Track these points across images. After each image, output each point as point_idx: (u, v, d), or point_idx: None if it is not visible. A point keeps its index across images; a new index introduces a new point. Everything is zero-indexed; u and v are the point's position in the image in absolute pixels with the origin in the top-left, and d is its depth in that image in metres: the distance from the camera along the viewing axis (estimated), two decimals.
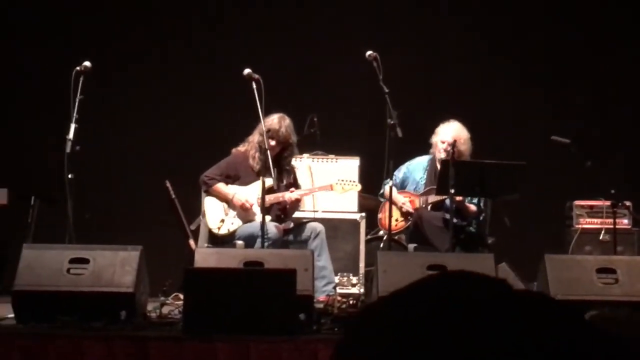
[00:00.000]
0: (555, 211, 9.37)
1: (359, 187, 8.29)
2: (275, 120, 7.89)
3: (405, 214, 8.32)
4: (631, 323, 2.52)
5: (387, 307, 1.24)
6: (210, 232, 7.95)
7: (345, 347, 1.22)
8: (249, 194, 7.92)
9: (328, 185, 8.16)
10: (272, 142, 7.83)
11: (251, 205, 7.88)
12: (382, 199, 8.43)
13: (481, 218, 8.21)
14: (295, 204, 8.03)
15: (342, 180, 8.14)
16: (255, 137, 7.91)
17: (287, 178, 8.06)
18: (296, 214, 8.29)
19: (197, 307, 5.86)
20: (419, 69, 10.02)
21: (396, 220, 8.23)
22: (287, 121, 7.97)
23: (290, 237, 7.91)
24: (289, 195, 7.90)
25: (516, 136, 9.83)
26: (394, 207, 7.99)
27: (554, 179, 9.64)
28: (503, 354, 1.13)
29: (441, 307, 1.18)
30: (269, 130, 7.69)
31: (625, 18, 10.38)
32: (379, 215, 8.49)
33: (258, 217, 7.73)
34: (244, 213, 7.90)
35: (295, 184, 8.12)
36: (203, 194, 8.04)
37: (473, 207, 8.15)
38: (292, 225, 8.00)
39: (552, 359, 1.14)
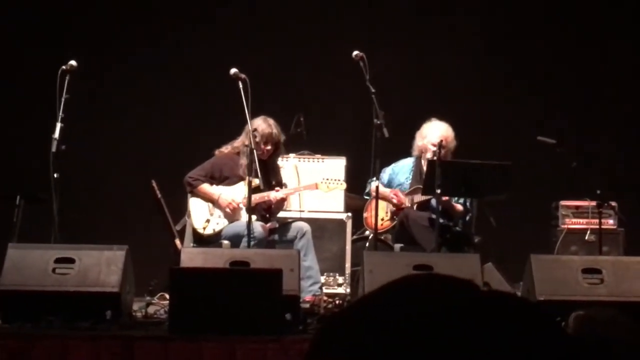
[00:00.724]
0: (541, 211, 9.39)
1: (344, 185, 8.30)
2: (264, 125, 7.88)
3: (392, 213, 8.32)
4: (616, 324, 2.53)
5: (359, 308, 1.24)
6: (195, 232, 7.94)
7: (319, 346, 1.22)
8: (235, 194, 7.92)
9: (313, 184, 8.17)
10: (269, 147, 7.89)
11: (237, 205, 7.88)
12: (367, 197, 8.44)
13: (467, 218, 8.22)
14: (280, 203, 8.03)
15: (327, 179, 8.15)
16: (244, 140, 7.90)
17: (274, 178, 8.07)
18: (282, 214, 8.29)
19: (183, 306, 5.86)
20: (405, 69, 10.03)
21: (382, 219, 8.24)
22: (273, 120, 7.99)
23: (277, 237, 7.91)
24: (275, 195, 7.90)
25: (502, 136, 9.84)
26: (380, 206, 7.99)
27: (539, 179, 9.66)
28: (462, 357, 1.13)
29: (408, 310, 1.18)
30: (255, 130, 7.68)
31: (617, 18, 10.41)
32: (365, 214, 8.49)
33: (243, 217, 7.74)
34: (230, 213, 7.90)
35: (280, 184, 8.13)
36: (188, 194, 8.03)
37: (460, 207, 8.16)
38: (277, 225, 7.99)
39: None
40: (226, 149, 8.09)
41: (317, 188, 8.14)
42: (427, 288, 1.22)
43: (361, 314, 1.21)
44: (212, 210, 7.94)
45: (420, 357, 1.13)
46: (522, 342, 1.15)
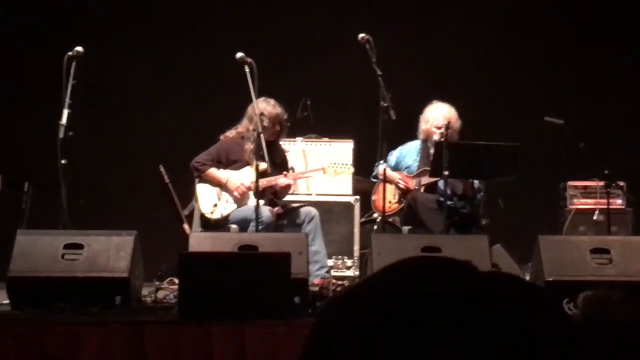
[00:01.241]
0: (549, 192, 9.38)
1: (352, 169, 8.30)
2: (269, 107, 7.88)
3: (399, 195, 8.32)
4: (625, 304, 2.53)
5: (363, 289, 1.25)
6: (202, 216, 7.94)
7: (324, 326, 1.23)
8: (243, 178, 7.93)
9: (320, 168, 8.17)
10: (277, 127, 7.93)
11: (246, 189, 7.89)
12: (374, 180, 8.44)
13: (478, 197, 8.22)
14: (287, 187, 8.04)
15: (335, 164, 8.16)
16: (248, 124, 7.90)
17: (279, 158, 8.08)
18: (291, 197, 8.30)
19: (192, 291, 5.87)
20: (412, 51, 10.02)
21: (390, 202, 8.24)
22: (273, 100, 7.99)
23: (285, 221, 7.91)
24: (282, 181, 7.91)
25: (510, 117, 9.83)
26: (387, 189, 7.99)
27: (547, 160, 9.65)
28: (467, 338, 1.13)
29: (412, 291, 1.18)
30: (262, 114, 7.69)
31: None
32: (373, 197, 8.49)
33: (251, 201, 7.75)
34: (239, 197, 7.91)
35: (285, 162, 8.15)
36: (196, 179, 8.04)
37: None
38: (281, 210, 7.98)
39: (517, 341, 1.15)
40: (231, 133, 8.10)
41: (324, 172, 8.14)
42: (429, 270, 1.22)
43: (367, 295, 1.22)
44: (219, 195, 7.95)
45: (425, 336, 1.14)
46: (526, 322, 1.16)
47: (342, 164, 8.21)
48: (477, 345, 1.13)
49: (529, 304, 1.18)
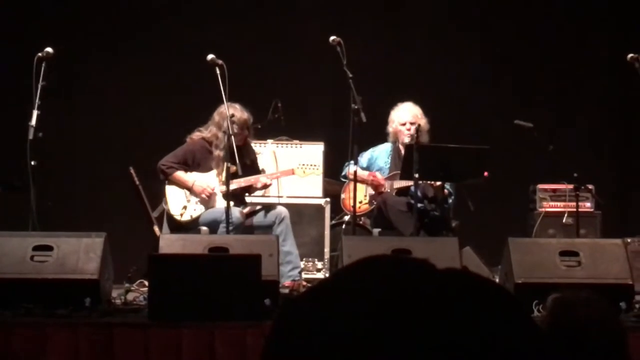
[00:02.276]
0: (519, 195, 9.42)
1: (320, 171, 8.33)
2: (237, 113, 7.82)
3: (370, 196, 8.34)
4: (592, 306, 2.55)
5: (319, 290, 1.26)
6: (172, 218, 7.92)
7: (277, 338, 1.24)
8: (209, 180, 7.92)
9: (290, 169, 8.18)
10: (246, 133, 7.93)
11: (212, 191, 7.87)
12: (343, 179, 8.47)
13: (450, 201, 8.26)
14: (262, 186, 8.07)
15: (304, 165, 8.19)
16: (216, 130, 7.88)
17: (249, 159, 8.06)
18: (261, 199, 8.30)
19: (162, 293, 5.85)
20: (383, 53, 10.03)
21: (360, 202, 8.26)
22: (238, 105, 7.95)
23: (254, 221, 7.91)
24: (263, 181, 7.94)
25: (479, 120, 9.86)
26: (358, 189, 8.00)
27: (517, 163, 9.69)
28: (426, 334, 1.14)
29: (362, 293, 1.19)
30: (233, 115, 7.68)
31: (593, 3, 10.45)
32: (342, 195, 8.50)
33: (219, 203, 7.75)
34: (205, 200, 7.90)
35: (255, 165, 8.15)
36: (165, 181, 8.02)
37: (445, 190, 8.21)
38: (250, 210, 7.99)
39: (471, 339, 1.15)
40: (196, 136, 8.07)
41: (293, 173, 8.16)
42: (387, 269, 1.22)
43: (325, 295, 1.22)
44: (188, 197, 7.93)
45: (383, 336, 1.14)
46: (480, 319, 1.16)
47: (311, 165, 8.23)
48: (429, 344, 1.13)
49: (484, 301, 1.19)
